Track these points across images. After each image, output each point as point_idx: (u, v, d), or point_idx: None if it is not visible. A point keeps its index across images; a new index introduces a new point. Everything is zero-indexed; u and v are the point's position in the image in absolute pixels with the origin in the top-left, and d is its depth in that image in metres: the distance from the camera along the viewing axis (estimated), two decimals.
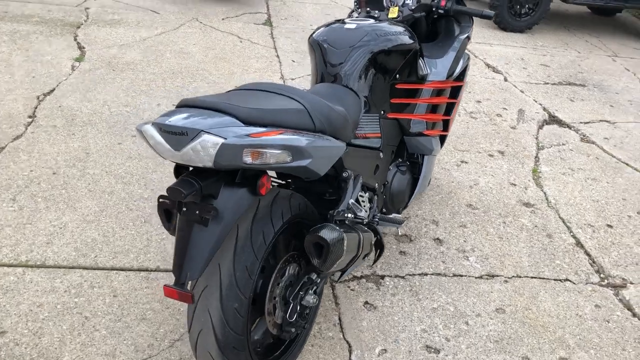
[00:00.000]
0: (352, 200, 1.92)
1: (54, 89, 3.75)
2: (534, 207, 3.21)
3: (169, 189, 1.43)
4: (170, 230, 1.65)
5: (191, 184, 1.44)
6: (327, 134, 1.70)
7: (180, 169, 1.63)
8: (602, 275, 2.72)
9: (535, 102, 4.70)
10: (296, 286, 1.82)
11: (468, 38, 2.55)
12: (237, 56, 4.72)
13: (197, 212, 1.46)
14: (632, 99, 5.08)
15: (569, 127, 4.33)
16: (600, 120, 4.53)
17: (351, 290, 2.41)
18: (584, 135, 4.22)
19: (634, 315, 2.48)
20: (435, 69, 2.41)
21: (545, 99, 4.78)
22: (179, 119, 1.41)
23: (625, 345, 2.31)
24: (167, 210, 1.62)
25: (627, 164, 3.85)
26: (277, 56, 4.86)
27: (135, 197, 2.80)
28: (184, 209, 1.48)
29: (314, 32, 2.25)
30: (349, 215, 1.88)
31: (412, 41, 2.22)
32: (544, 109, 4.57)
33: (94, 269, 2.34)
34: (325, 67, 2.13)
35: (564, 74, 5.47)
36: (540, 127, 4.26)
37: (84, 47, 4.48)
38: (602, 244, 2.95)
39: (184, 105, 1.53)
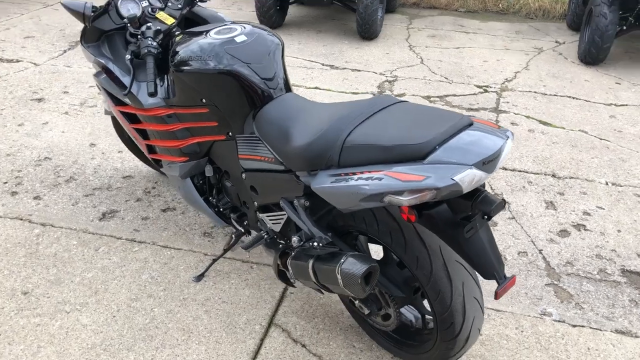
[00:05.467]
0: None
1: None
2: None
3: (490, 208, 1.48)
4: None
5: (484, 194, 1.51)
6: None
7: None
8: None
9: None
10: None
11: None
12: None
13: (484, 216, 1.55)
14: None
15: None
16: None
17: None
18: None
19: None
20: None
21: None
22: (487, 145, 1.44)
23: None
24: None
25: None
26: None
27: None
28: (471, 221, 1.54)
29: (207, 61, 1.98)
30: None
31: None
32: None
33: None
34: (262, 86, 2.01)
35: None
36: None
37: None
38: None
39: (445, 140, 1.48)
